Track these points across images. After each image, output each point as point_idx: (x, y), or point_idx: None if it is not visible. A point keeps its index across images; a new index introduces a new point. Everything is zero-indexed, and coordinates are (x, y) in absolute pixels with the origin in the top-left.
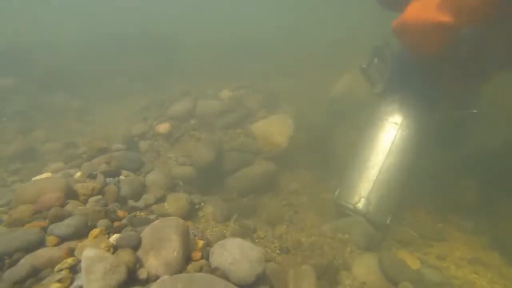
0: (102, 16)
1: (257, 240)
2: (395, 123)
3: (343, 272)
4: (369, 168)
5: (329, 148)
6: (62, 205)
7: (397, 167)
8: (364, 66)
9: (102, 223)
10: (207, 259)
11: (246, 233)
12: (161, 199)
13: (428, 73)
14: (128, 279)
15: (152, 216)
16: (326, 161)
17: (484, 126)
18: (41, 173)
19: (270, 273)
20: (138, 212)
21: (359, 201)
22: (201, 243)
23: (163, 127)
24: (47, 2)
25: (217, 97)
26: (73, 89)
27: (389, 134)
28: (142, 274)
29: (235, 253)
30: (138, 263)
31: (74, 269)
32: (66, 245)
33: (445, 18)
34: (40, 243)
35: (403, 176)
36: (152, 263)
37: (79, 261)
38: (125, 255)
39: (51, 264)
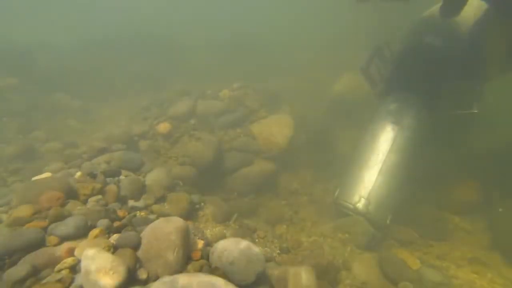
0: (102, 16)
1: (257, 240)
2: (395, 123)
3: (343, 272)
4: (369, 168)
5: (329, 147)
6: (62, 205)
7: (397, 167)
8: (364, 66)
9: (102, 223)
10: (207, 259)
11: (246, 233)
12: (161, 199)
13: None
14: (128, 279)
15: (152, 216)
16: (326, 161)
17: (484, 126)
18: (41, 173)
19: (270, 273)
20: (138, 212)
21: (359, 200)
22: (201, 243)
23: (163, 127)
24: (47, 3)
25: (217, 97)
26: (73, 89)
27: (389, 134)
28: (142, 274)
29: (235, 253)
30: (138, 263)
31: (74, 269)
32: (66, 245)
33: None
34: (40, 243)
35: (403, 176)
36: (152, 263)
37: (79, 261)
38: (125, 255)
39: (51, 264)
